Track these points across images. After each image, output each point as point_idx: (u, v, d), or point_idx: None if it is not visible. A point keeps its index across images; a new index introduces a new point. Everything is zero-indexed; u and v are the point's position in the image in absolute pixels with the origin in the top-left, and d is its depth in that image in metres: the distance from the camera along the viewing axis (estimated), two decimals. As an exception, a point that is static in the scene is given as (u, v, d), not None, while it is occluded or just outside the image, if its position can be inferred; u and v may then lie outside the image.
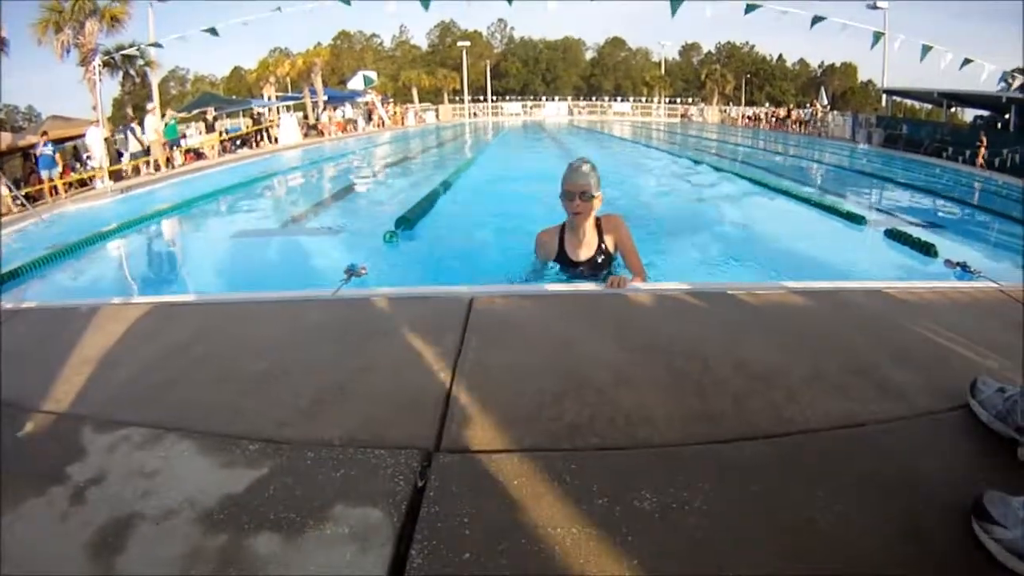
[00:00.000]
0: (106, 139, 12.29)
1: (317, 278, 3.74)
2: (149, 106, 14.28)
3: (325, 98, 26.74)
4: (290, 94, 27.02)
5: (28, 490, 1.10)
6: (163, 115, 14.67)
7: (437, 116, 35.00)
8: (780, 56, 54.80)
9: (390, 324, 1.85)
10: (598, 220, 2.56)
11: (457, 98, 41.22)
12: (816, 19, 10.10)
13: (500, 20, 55.08)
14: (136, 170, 12.76)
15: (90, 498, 1.08)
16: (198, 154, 15.74)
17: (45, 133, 11.90)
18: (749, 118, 32.17)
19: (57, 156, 11.40)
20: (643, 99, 44.01)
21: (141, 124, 13.53)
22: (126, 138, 13.48)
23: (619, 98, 45.17)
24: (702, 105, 40.52)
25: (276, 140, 19.33)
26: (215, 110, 19.31)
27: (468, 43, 42.40)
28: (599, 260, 2.54)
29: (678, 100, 43.06)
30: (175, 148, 14.39)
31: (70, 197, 10.19)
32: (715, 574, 0.89)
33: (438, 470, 1.13)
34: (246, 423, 1.32)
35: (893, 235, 4.34)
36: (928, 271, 3.59)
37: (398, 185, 9.03)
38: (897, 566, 0.91)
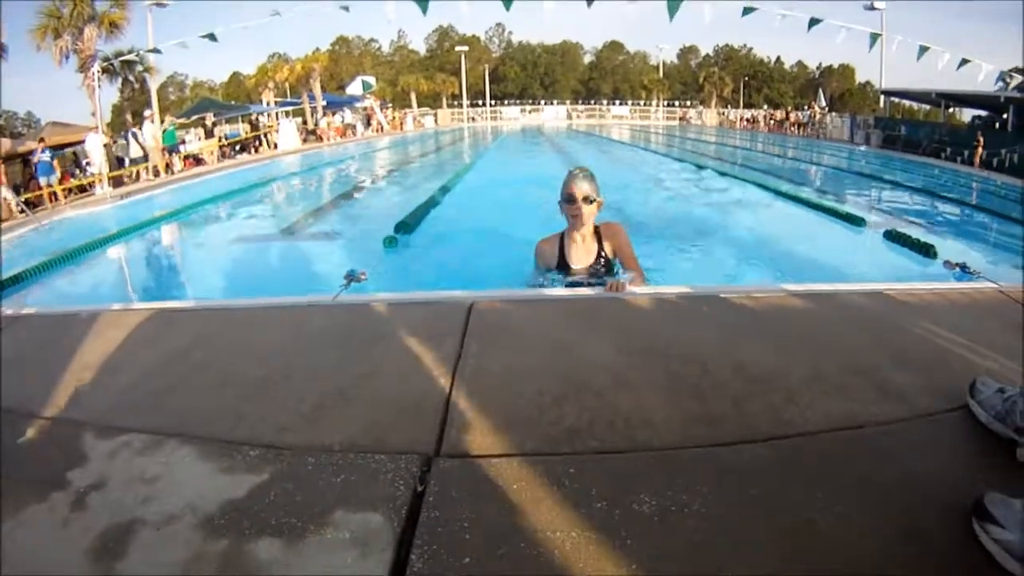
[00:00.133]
0: (106, 145, 12.31)
1: (317, 283, 3.75)
2: (147, 113, 14.30)
3: (324, 103, 26.85)
4: (289, 99, 27.10)
5: (29, 496, 1.11)
6: (162, 121, 14.70)
7: (436, 121, 35.07)
8: (778, 58, 55.04)
9: (390, 329, 1.86)
10: (597, 228, 2.57)
11: (456, 103, 41.33)
12: (813, 21, 10.11)
13: (498, 24, 55.32)
14: (136, 176, 12.78)
15: (91, 504, 1.08)
16: (197, 160, 15.77)
17: (43, 140, 11.92)
18: (747, 120, 32.24)
19: (55, 162, 11.43)
20: (641, 102, 44.13)
21: (141, 130, 13.57)
22: (128, 143, 13.50)
23: (617, 102, 45.31)
24: (700, 108, 40.58)
25: (275, 145, 19.37)
26: (214, 116, 19.37)
27: (466, 48, 42.42)
28: (599, 267, 2.55)
29: (676, 103, 43.19)
30: (174, 154, 14.42)
31: (70, 203, 10.19)
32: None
33: (438, 475, 1.13)
34: (247, 429, 1.32)
35: (892, 236, 4.35)
36: (927, 272, 3.59)
37: (397, 190, 9.04)
38: (897, 567, 0.91)
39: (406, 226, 4.77)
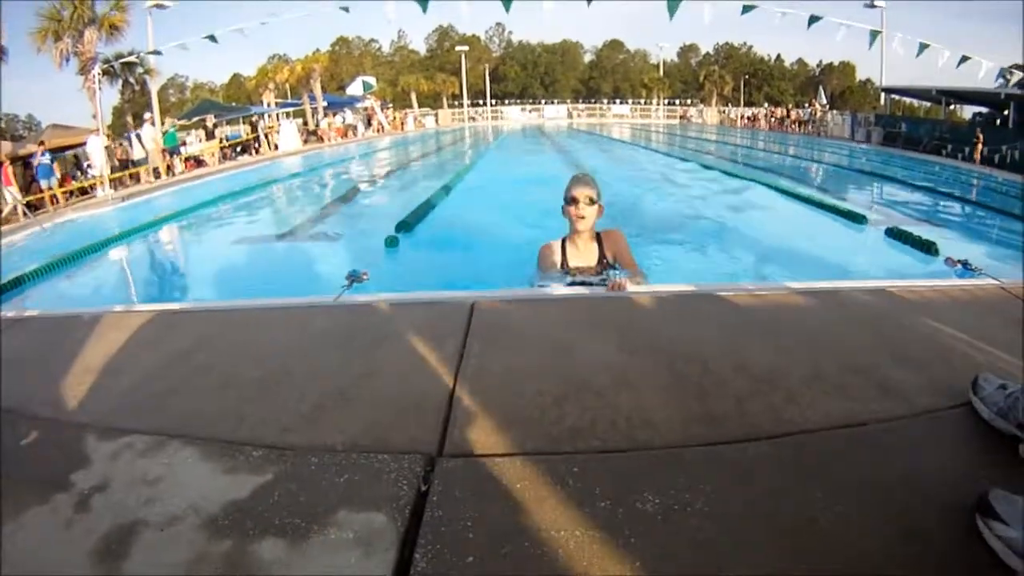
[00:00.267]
0: (106, 147, 12.33)
1: (319, 284, 3.75)
2: (147, 116, 14.33)
3: (324, 104, 26.86)
4: (289, 100, 27.14)
5: (31, 497, 1.11)
6: (162, 123, 14.72)
7: (436, 121, 35.08)
8: (778, 56, 55.01)
9: (392, 329, 1.86)
10: (598, 234, 2.64)
11: (456, 103, 41.32)
12: (813, 19, 10.11)
13: (498, 24, 55.33)
14: (136, 178, 12.79)
15: (94, 505, 1.09)
16: (198, 161, 15.79)
17: (43, 143, 11.95)
18: (748, 119, 32.21)
19: (55, 165, 11.44)
20: (642, 101, 44.11)
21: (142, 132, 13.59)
22: (130, 145, 13.53)
23: (618, 101, 45.31)
24: (701, 106, 40.58)
25: (276, 147, 19.38)
26: (215, 117, 19.40)
27: (466, 47, 42.45)
28: (600, 272, 2.59)
29: (677, 102, 43.15)
30: (175, 156, 14.44)
31: (71, 205, 10.22)
32: (717, 574, 0.90)
33: (441, 474, 1.13)
34: (249, 429, 1.32)
35: (893, 234, 4.35)
36: (929, 269, 3.59)
37: (398, 190, 9.05)
38: (899, 566, 0.91)
39: (407, 226, 4.78)
